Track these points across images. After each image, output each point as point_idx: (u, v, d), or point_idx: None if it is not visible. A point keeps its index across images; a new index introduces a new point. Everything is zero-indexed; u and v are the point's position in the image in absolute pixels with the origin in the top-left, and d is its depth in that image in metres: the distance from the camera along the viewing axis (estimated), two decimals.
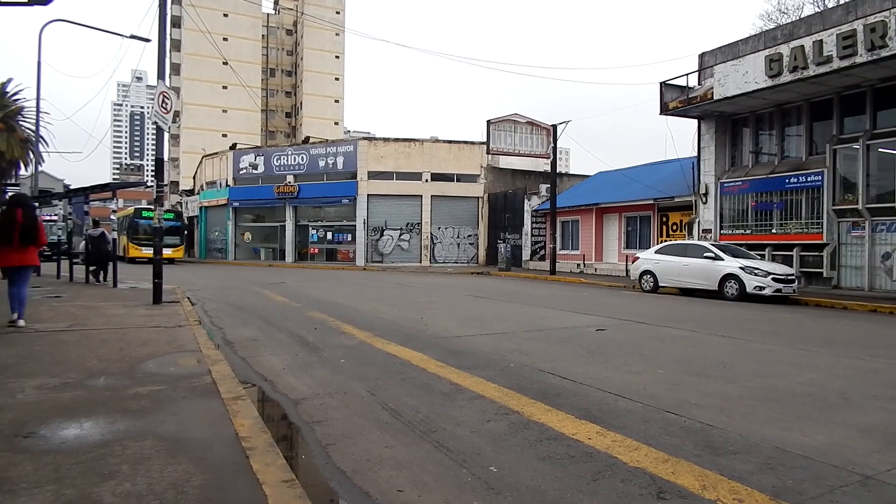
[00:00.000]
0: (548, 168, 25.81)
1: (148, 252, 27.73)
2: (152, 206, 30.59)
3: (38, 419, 3.66)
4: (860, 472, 3.14)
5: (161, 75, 11.04)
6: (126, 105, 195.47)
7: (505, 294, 14.50)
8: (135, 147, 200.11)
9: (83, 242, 14.97)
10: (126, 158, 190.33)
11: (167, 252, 29.19)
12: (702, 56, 19.92)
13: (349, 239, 31.79)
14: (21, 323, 7.41)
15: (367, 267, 29.18)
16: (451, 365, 5.72)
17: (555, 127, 24.11)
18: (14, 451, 3.11)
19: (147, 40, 21.30)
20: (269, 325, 8.53)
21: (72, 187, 29.86)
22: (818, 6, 29.21)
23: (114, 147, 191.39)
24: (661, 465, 3.20)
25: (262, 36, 71.20)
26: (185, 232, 33.71)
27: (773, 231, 17.58)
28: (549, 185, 25.13)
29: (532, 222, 28.73)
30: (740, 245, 16.56)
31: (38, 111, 23.61)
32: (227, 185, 37.90)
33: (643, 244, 22.67)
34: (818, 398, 4.72)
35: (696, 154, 20.26)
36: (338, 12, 72.52)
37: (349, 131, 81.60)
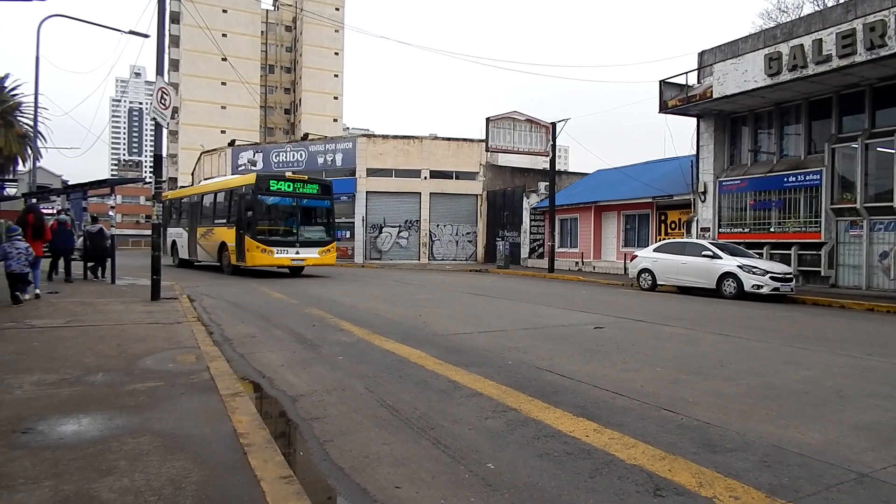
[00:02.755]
0: (547, 166, 25.81)
1: (284, 257, 17.23)
2: (288, 176, 18.17)
3: (35, 415, 3.67)
4: (856, 470, 3.16)
5: (160, 71, 11.01)
6: (124, 101, 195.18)
7: (503, 292, 14.51)
8: (133, 143, 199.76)
9: (81, 238, 14.96)
10: (124, 154, 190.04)
11: (310, 255, 17.71)
12: (701, 54, 19.92)
13: (347, 236, 31.77)
14: (38, 292, 10.28)
15: (366, 264, 29.18)
16: (449, 362, 5.72)
17: (554, 125, 24.11)
18: (12, 447, 3.12)
19: (146, 36, 21.29)
20: (266, 322, 8.53)
21: (70, 183, 29.84)
22: (818, 5, 29.19)
23: (112, 143, 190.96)
24: (658, 463, 3.21)
25: (261, 32, 71.08)
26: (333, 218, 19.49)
27: (772, 230, 17.61)
28: (547, 183, 25.15)
29: (531, 220, 28.74)
30: (739, 244, 16.59)
31: (36, 107, 23.58)
32: None
33: (642, 242, 22.70)
34: (815, 396, 4.74)
35: (694, 152, 20.28)
36: (337, 9, 72.36)
37: (348, 128, 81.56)
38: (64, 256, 14.13)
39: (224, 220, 18.65)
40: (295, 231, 17.75)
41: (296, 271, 19.19)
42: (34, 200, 17.88)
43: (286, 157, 33.44)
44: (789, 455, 3.37)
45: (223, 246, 18.58)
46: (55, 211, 15.23)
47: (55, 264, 14.44)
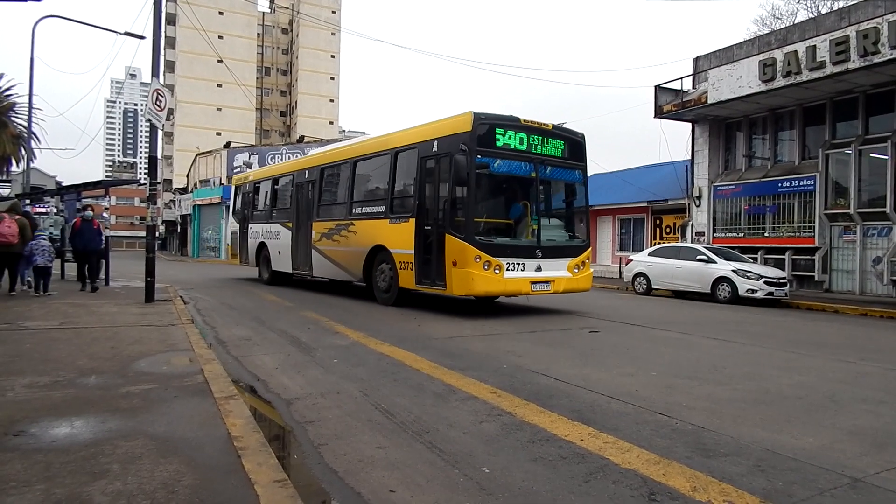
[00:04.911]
0: None
1: (518, 277, 9.43)
2: (522, 121, 9.68)
3: (28, 418, 3.64)
4: (849, 475, 3.17)
5: (155, 73, 10.99)
6: (119, 102, 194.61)
7: None
8: (128, 144, 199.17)
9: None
10: (119, 156, 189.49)
11: (559, 274, 9.89)
12: (696, 60, 20.03)
13: None
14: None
15: None
16: (445, 366, 5.72)
17: None
18: (4, 450, 3.09)
19: (141, 37, 21.23)
20: (261, 325, 8.50)
21: (64, 184, 29.68)
22: (812, 12, 29.41)
23: (107, 144, 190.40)
24: (652, 467, 3.21)
25: (258, 34, 71.07)
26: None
27: (766, 234, 17.70)
28: None
29: None
30: (733, 248, 16.67)
31: (30, 107, 23.51)
32: (220, 184, 37.82)
33: (637, 246, 22.79)
34: (808, 401, 4.75)
35: (689, 157, 20.38)
36: (333, 12, 72.44)
37: (344, 130, 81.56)
38: (89, 259, 12.63)
39: (382, 209, 10.95)
40: (535, 227, 9.77)
41: (484, 301, 11.79)
42: (28, 202, 17.81)
43: (282, 160, 33.44)
44: (783, 460, 3.38)
45: (378, 254, 10.97)
46: (79, 208, 13.23)
47: (83, 270, 12.67)
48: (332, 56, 73.13)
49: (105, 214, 15.06)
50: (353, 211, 11.95)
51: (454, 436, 3.72)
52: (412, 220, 10.04)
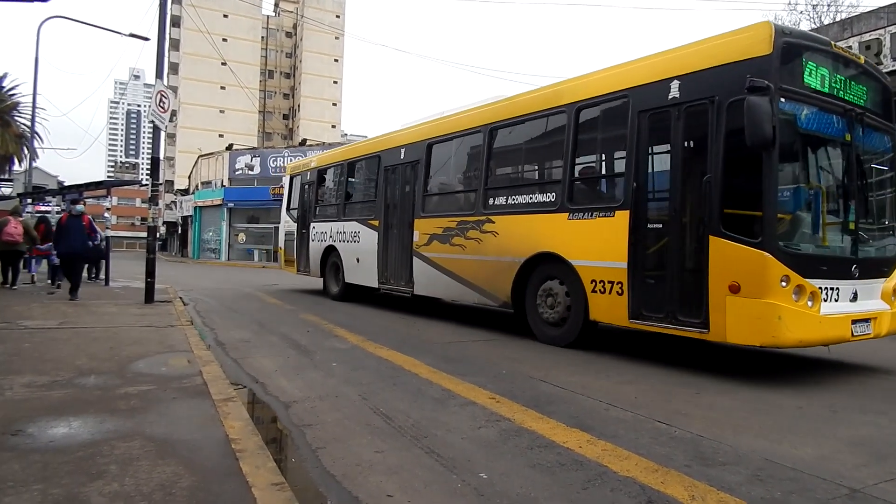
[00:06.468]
0: None
1: (837, 314, 5.49)
2: (835, 47, 5.92)
3: (26, 417, 3.64)
4: (848, 486, 3.16)
5: (159, 74, 11.03)
6: (123, 103, 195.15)
7: None
8: (130, 145, 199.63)
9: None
10: (121, 156, 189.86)
11: (879, 306, 6.08)
12: None
13: None
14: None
15: None
16: (444, 371, 5.71)
17: None
18: (1, 450, 3.09)
19: (146, 39, 21.34)
20: (261, 327, 8.50)
21: (66, 184, 29.73)
22: (815, 23, 29.50)
23: (109, 145, 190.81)
24: (651, 475, 3.21)
25: (262, 38, 71.34)
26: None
27: None
28: None
29: None
30: None
31: (34, 107, 23.62)
32: (222, 186, 37.90)
33: None
34: (808, 411, 4.74)
35: None
36: (337, 16, 72.75)
37: (346, 134, 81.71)
38: (73, 264, 10.97)
39: (553, 197, 7.41)
40: (851, 225, 5.98)
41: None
42: (30, 201, 17.85)
43: (284, 163, 33.55)
44: (782, 469, 3.37)
45: (538, 267, 7.60)
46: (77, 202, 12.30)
47: (70, 271, 10.98)
48: (336, 60, 73.39)
49: (106, 215, 15.09)
50: (491, 202, 8.31)
51: (453, 441, 3.71)
52: (622, 214, 6.41)
